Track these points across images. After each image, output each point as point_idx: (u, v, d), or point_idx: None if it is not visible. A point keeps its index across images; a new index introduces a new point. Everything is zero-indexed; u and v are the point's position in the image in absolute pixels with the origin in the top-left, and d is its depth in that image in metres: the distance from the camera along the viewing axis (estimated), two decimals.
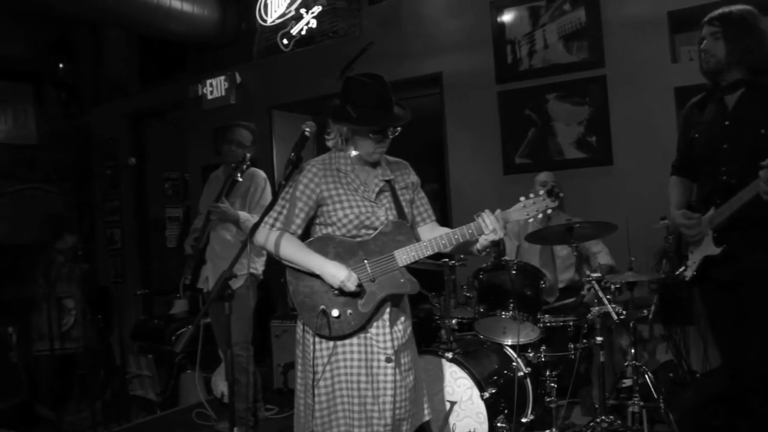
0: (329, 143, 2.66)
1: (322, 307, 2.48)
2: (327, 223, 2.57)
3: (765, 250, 2.55)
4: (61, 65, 7.57)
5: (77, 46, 7.98)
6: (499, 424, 3.36)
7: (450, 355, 3.45)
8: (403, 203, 2.64)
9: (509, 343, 3.75)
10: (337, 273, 2.45)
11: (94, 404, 4.63)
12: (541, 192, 2.47)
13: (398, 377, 2.50)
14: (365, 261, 2.51)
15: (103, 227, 7.81)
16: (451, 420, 3.41)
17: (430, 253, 2.49)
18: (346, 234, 2.55)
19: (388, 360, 2.49)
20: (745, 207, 2.54)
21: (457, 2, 5.29)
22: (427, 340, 4.14)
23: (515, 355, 3.68)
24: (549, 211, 2.49)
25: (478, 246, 2.53)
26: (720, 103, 2.81)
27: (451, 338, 3.60)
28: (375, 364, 2.50)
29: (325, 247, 2.53)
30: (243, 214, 4.06)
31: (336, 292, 2.49)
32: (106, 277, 7.67)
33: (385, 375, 2.49)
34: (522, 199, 2.49)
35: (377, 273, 2.51)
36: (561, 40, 4.83)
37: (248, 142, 4.32)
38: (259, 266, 4.31)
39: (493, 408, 3.36)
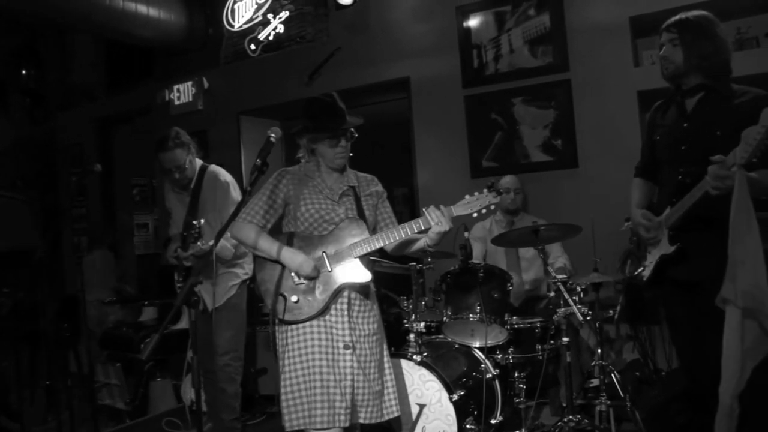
0: (300, 158, 2.96)
1: (284, 293, 2.75)
2: (292, 219, 2.86)
3: (716, 249, 2.60)
4: (24, 71, 7.46)
5: (43, 51, 7.88)
6: (468, 426, 3.37)
7: (418, 358, 3.47)
8: (365, 206, 2.90)
9: (477, 346, 3.78)
10: (294, 258, 2.73)
11: (60, 414, 4.56)
12: (485, 190, 2.65)
13: (356, 365, 2.72)
14: (324, 253, 2.77)
15: (70, 234, 7.70)
16: (421, 423, 3.43)
17: (380, 245, 2.74)
18: (308, 228, 2.82)
19: (346, 347, 2.73)
20: (697, 205, 2.60)
21: (423, 7, 5.33)
22: (396, 343, 4.15)
23: (483, 357, 3.70)
24: (492, 207, 2.66)
25: (428, 241, 2.80)
26: (680, 106, 2.87)
27: (420, 341, 3.62)
28: (335, 350, 2.73)
29: (289, 241, 2.82)
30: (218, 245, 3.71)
31: (297, 280, 2.75)
32: (73, 285, 7.56)
33: (344, 361, 2.71)
34: (467, 196, 2.69)
35: (334, 264, 2.76)
36: (526, 44, 4.89)
37: (183, 156, 3.87)
38: (248, 268, 4.03)
39: (462, 410, 3.38)
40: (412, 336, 3.63)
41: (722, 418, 2.40)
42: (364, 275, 2.76)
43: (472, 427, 3.38)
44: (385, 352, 2.93)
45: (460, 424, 3.34)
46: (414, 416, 3.44)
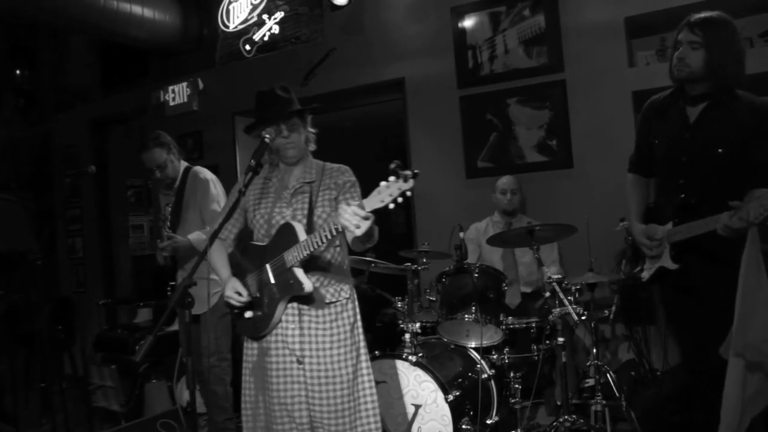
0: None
1: (237, 310, 2.69)
2: (251, 226, 2.78)
3: (716, 263, 2.62)
4: (18, 72, 7.43)
5: (37, 52, 7.85)
6: (464, 426, 3.38)
7: (414, 358, 3.47)
8: (320, 202, 2.70)
9: (473, 346, 3.78)
10: (222, 277, 2.73)
11: (55, 416, 4.54)
12: (392, 177, 2.21)
13: (310, 380, 2.60)
14: (267, 265, 2.63)
15: (64, 236, 7.68)
16: (416, 423, 3.43)
17: (309, 251, 2.49)
18: (257, 235, 2.73)
19: (298, 362, 2.60)
20: (703, 235, 2.60)
21: (418, 8, 5.33)
22: (391, 344, 4.16)
23: (479, 358, 3.71)
24: (408, 193, 2.20)
25: (350, 243, 2.62)
26: (682, 113, 2.82)
27: (415, 342, 3.62)
28: (288, 365, 2.62)
29: (242, 253, 2.77)
30: (193, 237, 3.85)
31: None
32: (67, 287, 7.54)
33: (298, 376, 2.60)
34: (382, 183, 2.24)
35: (276, 275, 2.60)
36: (521, 45, 4.89)
37: (163, 156, 4.01)
38: None
39: (457, 410, 3.38)
40: (407, 336, 3.62)
41: None
42: (299, 286, 2.54)
43: (468, 427, 3.39)
44: (363, 365, 2.73)
45: (455, 424, 3.34)
46: (409, 417, 3.44)
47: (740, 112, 2.66)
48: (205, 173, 4.10)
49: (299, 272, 2.54)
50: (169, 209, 4.02)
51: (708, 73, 2.68)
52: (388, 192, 2.21)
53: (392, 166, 2.21)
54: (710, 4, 3.09)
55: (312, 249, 2.48)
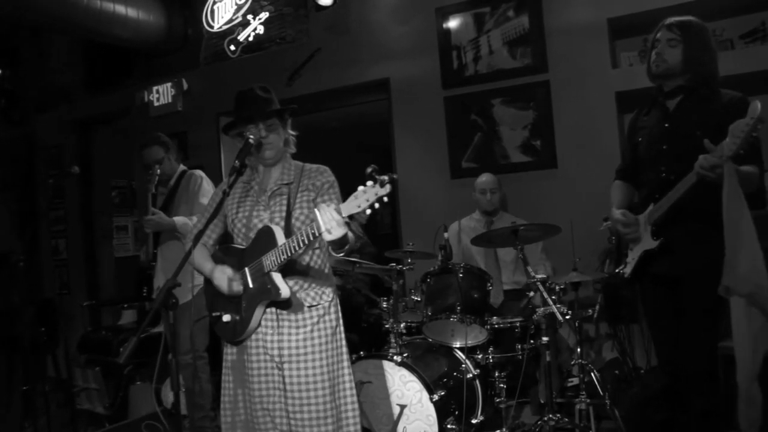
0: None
1: (215, 313, 2.66)
2: (230, 230, 2.75)
3: (700, 242, 2.66)
4: (0, 71, 7.36)
5: (19, 51, 7.77)
6: (449, 426, 3.39)
7: (399, 358, 3.47)
8: (298, 204, 2.65)
9: (458, 346, 3.79)
10: (220, 277, 2.58)
11: (38, 420, 4.50)
12: (369, 182, 2.15)
13: (289, 386, 2.55)
14: (246, 268, 2.58)
15: (47, 237, 7.62)
16: (402, 423, 3.43)
17: (287, 256, 2.43)
18: (236, 239, 2.69)
19: (278, 367, 2.57)
20: (682, 200, 2.64)
21: (403, 9, 5.34)
22: (376, 344, 4.16)
23: (464, 357, 3.72)
24: (386, 199, 2.14)
25: (325, 246, 2.58)
26: (662, 108, 2.92)
27: (400, 342, 3.62)
28: (270, 370, 2.59)
29: (224, 255, 2.70)
30: (178, 219, 4.01)
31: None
32: (51, 288, 7.48)
33: (278, 382, 2.57)
34: (360, 187, 2.17)
35: (254, 279, 2.55)
36: (505, 45, 4.91)
37: (161, 153, 4.27)
38: None
39: (443, 410, 3.39)
40: (392, 337, 3.63)
41: (741, 405, 2.42)
42: (276, 291, 2.49)
43: (453, 427, 3.40)
44: (345, 371, 2.69)
45: (440, 424, 3.35)
46: (395, 417, 3.44)
47: (716, 104, 2.76)
48: (200, 172, 4.35)
49: (277, 277, 2.50)
50: (158, 169, 4.20)
51: (685, 69, 2.81)
52: (365, 197, 2.16)
53: (369, 170, 2.16)
54: (692, 5, 3.13)
55: (290, 253, 2.42)
